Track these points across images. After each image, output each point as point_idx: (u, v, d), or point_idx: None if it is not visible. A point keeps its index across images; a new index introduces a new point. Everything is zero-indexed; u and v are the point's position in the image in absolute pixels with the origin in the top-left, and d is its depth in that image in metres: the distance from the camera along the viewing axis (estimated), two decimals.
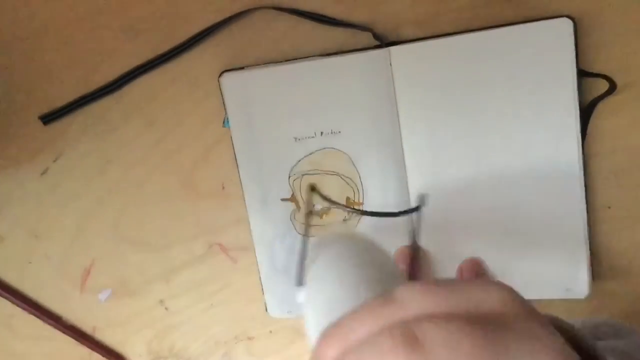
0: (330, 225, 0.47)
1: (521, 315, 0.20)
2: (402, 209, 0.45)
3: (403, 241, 0.46)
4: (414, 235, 0.40)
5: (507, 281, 0.49)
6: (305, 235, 0.40)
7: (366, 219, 0.46)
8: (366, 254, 0.35)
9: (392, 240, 0.46)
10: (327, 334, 0.22)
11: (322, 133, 0.46)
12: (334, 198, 0.46)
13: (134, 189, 0.49)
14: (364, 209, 0.39)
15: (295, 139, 0.46)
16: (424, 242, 0.46)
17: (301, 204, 0.47)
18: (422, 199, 0.41)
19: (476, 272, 0.45)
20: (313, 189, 0.40)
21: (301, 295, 0.35)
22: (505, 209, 0.44)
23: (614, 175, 0.43)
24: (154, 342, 0.52)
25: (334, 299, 0.32)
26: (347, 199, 0.46)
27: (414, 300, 0.20)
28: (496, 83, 0.43)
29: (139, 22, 0.47)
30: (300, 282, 0.37)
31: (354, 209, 0.37)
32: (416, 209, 0.41)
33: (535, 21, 0.42)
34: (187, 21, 0.47)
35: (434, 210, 0.45)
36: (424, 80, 0.43)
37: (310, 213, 0.40)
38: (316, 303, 0.33)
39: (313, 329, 0.31)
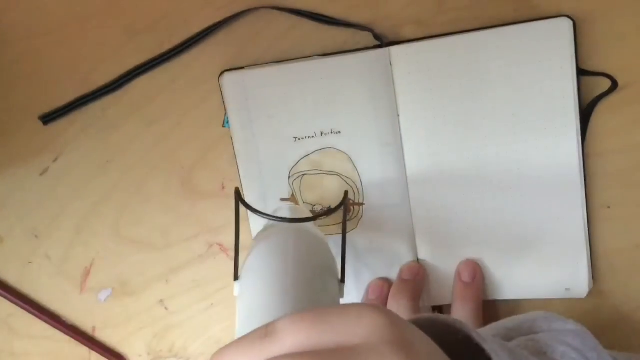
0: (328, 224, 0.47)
1: (383, 347, 0.20)
2: (402, 209, 0.45)
3: (402, 235, 0.46)
4: (343, 232, 0.41)
5: (507, 281, 0.49)
6: (236, 233, 0.40)
7: (367, 217, 0.46)
8: (297, 253, 0.34)
9: (393, 234, 0.46)
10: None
11: (322, 133, 0.46)
12: (334, 198, 0.46)
13: (134, 189, 0.49)
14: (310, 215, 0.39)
15: (295, 138, 0.46)
16: (423, 243, 0.46)
17: (301, 204, 0.47)
18: (346, 195, 0.42)
19: (474, 273, 0.45)
20: (238, 195, 0.40)
21: (236, 289, 0.35)
22: (505, 208, 0.44)
23: (614, 175, 0.43)
24: (153, 342, 0.52)
25: (255, 301, 0.31)
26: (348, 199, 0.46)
27: (288, 334, 0.21)
28: (496, 83, 0.43)
29: (139, 22, 0.47)
30: (235, 276, 0.37)
31: (281, 218, 0.38)
32: (339, 206, 0.42)
33: (535, 21, 0.42)
34: (187, 21, 0.47)
35: (435, 209, 0.45)
36: (424, 80, 0.43)
37: (238, 218, 0.41)
38: (242, 301, 0.33)
39: (237, 326, 0.31)
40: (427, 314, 0.28)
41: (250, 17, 0.46)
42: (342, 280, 0.37)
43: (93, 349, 0.51)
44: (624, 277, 0.44)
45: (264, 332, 0.21)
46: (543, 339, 0.31)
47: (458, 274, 0.45)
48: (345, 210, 0.42)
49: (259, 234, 0.39)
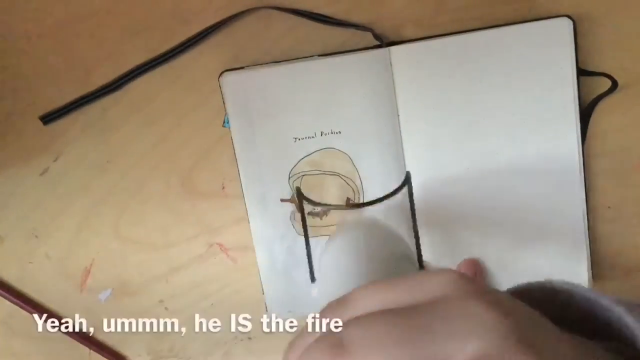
0: (331, 225, 0.47)
1: (462, 296, 0.20)
2: (402, 209, 0.45)
3: (402, 235, 0.46)
4: (412, 213, 0.40)
5: (508, 281, 0.49)
6: (306, 236, 0.40)
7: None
8: (369, 248, 0.34)
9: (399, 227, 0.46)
10: (292, 343, 0.22)
11: (322, 133, 0.46)
12: (334, 198, 0.46)
13: (134, 189, 0.49)
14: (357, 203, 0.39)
15: (295, 139, 0.46)
16: (424, 243, 0.46)
17: None
18: (408, 177, 0.40)
19: (475, 271, 0.45)
20: (300, 193, 0.40)
21: (314, 291, 0.35)
22: (505, 209, 0.44)
23: (614, 175, 0.43)
24: (154, 342, 0.52)
25: (338, 294, 0.31)
26: (347, 199, 0.46)
27: (362, 299, 0.21)
28: (496, 83, 0.43)
29: (139, 22, 0.47)
30: (312, 278, 0.37)
31: (341, 205, 0.38)
32: (402, 186, 0.41)
33: (535, 21, 0.42)
34: (187, 21, 0.47)
35: (435, 210, 0.45)
36: (424, 80, 0.43)
37: (304, 218, 0.40)
38: (324, 299, 0.33)
39: None
40: (523, 283, 0.27)
41: (250, 17, 0.46)
42: (421, 266, 0.37)
43: (93, 349, 0.51)
44: (624, 277, 0.44)
45: (337, 303, 0.22)
46: None
47: None
48: (410, 192, 0.40)
49: (331, 236, 0.39)
